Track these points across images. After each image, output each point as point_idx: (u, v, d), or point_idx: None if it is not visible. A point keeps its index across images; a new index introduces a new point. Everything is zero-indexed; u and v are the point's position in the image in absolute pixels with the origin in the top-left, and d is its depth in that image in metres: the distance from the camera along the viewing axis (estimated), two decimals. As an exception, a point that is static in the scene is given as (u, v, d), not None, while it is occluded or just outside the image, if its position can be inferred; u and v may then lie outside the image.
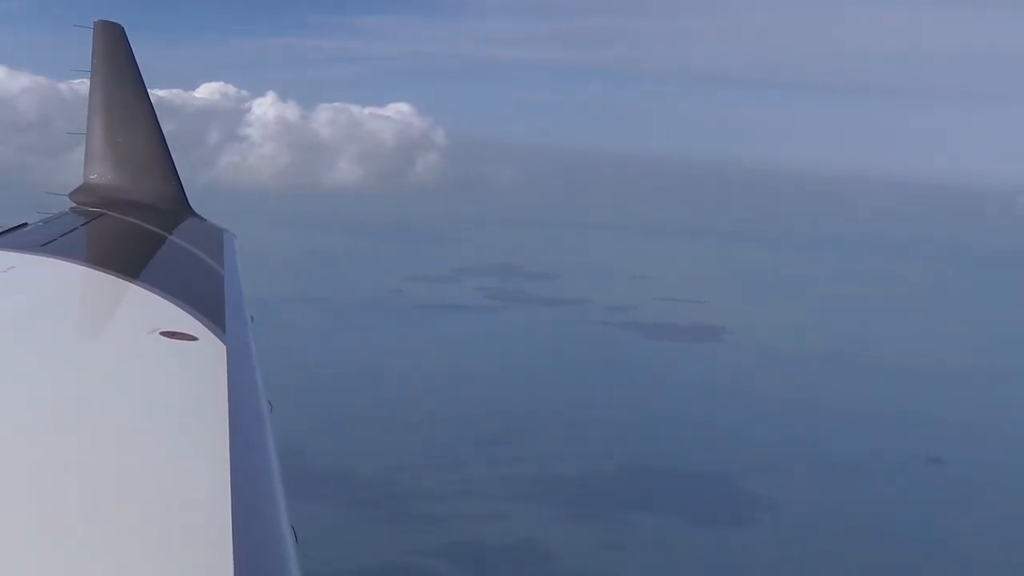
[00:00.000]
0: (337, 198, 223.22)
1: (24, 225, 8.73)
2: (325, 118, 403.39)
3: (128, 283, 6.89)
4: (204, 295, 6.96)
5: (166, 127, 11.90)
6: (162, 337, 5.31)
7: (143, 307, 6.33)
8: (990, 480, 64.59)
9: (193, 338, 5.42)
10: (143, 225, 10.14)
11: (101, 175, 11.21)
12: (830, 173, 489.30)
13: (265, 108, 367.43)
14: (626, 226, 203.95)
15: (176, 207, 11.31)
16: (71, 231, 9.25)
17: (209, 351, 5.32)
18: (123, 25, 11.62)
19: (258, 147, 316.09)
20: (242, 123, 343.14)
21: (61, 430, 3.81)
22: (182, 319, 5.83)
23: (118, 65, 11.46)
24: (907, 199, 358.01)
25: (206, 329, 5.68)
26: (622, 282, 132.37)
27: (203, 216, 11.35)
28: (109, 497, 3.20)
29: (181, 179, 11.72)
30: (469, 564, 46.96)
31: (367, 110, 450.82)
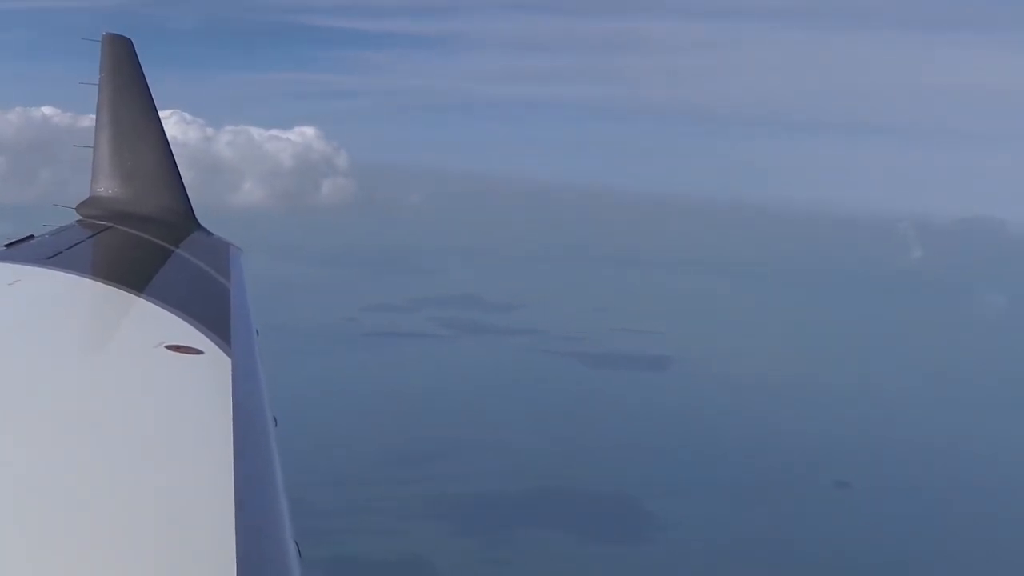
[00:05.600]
0: (249, 220, 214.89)
1: (30, 237, 8.73)
2: (224, 139, 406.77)
3: (134, 296, 6.85)
4: (210, 309, 6.93)
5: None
6: (168, 351, 5.31)
7: (149, 320, 6.32)
8: (893, 503, 65.77)
9: (199, 352, 5.43)
10: (149, 238, 10.07)
11: (108, 188, 11.13)
12: (731, 203, 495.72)
13: (167, 128, 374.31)
14: (586, 257, 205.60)
15: (183, 221, 11.24)
16: (77, 244, 9.19)
17: (215, 365, 5.32)
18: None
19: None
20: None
21: (65, 443, 3.80)
22: (188, 333, 5.84)
23: (126, 78, 11.42)
24: (801, 229, 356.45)
25: (212, 343, 5.69)
26: (580, 313, 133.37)
27: (210, 230, 11.33)
28: (113, 510, 3.21)
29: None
30: (345, 577, 48.26)
31: (268, 132, 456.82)
